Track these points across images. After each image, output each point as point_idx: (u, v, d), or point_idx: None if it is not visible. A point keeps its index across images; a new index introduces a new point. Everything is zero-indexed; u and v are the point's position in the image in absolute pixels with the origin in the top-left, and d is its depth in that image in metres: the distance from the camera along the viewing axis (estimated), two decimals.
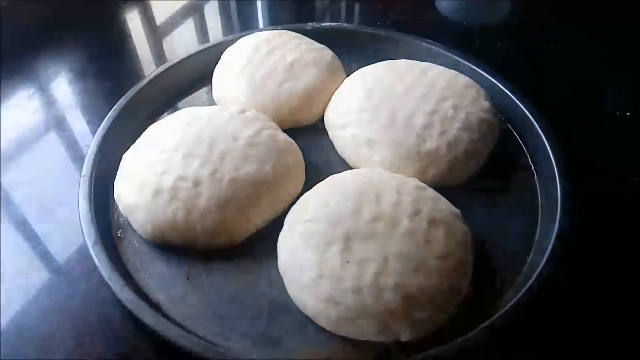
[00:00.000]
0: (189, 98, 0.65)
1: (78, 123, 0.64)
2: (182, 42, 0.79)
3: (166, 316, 0.43)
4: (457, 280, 0.43)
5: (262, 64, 0.60)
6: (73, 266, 0.48)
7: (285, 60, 0.60)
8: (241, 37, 0.66)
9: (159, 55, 0.77)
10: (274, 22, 0.85)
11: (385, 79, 0.57)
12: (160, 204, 0.46)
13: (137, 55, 0.76)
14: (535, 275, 0.43)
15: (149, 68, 0.73)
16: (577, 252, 0.47)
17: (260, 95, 0.58)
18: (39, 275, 0.48)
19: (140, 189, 0.47)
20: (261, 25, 0.85)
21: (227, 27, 0.84)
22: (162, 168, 0.48)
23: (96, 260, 0.44)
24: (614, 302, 0.46)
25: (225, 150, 0.49)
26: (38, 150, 0.61)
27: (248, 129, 0.51)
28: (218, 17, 0.86)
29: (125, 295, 0.42)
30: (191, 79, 0.66)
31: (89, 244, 0.45)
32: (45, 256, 0.50)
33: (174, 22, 0.83)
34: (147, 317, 0.41)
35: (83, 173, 0.51)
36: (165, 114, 0.63)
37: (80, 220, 0.47)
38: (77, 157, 0.59)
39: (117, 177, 0.51)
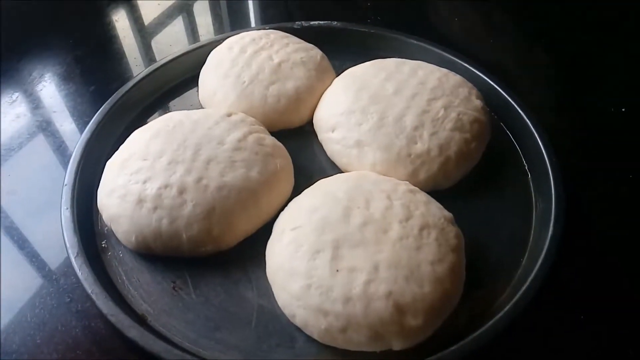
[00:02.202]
0: (179, 99, 0.64)
1: (65, 127, 0.62)
2: (171, 42, 0.77)
3: (152, 329, 0.42)
4: (451, 286, 0.41)
5: (248, 65, 0.58)
6: (57, 277, 0.47)
7: (272, 61, 0.59)
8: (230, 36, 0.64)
9: (147, 55, 0.75)
10: (265, 20, 0.84)
11: (374, 78, 0.56)
12: (144, 212, 0.45)
13: (124, 56, 0.75)
14: (529, 280, 0.43)
15: (138, 69, 0.72)
16: (572, 254, 0.46)
17: (247, 98, 0.56)
18: (23, 287, 0.47)
19: (123, 198, 0.46)
20: (253, 23, 0.84)
21: (218, 26, 0.83)
22: (145, 175, 0.46)
23: (79, 273, 0.43)
24: (610, 304, 0.45)
25: (210, 156, 0.48)
26: (24, 155, 0.59)
27: (234, 133, 0.50)
28: (208, 16, 0.84)
29: (109, 308, 0.41)
30: (180, 79, 0.65)
31: (72, 256, 0.44)
32: (29, 267, 0.49)
33: (163, 21, 0.81)
34: (131, 331, 0.40)
35: (65, 181, 0.50)
36: (156, 114, 0.61)
37: (62, 231, 0.46)
38: (65, 162, 0.57)
39: (100, 185, 0.49)
